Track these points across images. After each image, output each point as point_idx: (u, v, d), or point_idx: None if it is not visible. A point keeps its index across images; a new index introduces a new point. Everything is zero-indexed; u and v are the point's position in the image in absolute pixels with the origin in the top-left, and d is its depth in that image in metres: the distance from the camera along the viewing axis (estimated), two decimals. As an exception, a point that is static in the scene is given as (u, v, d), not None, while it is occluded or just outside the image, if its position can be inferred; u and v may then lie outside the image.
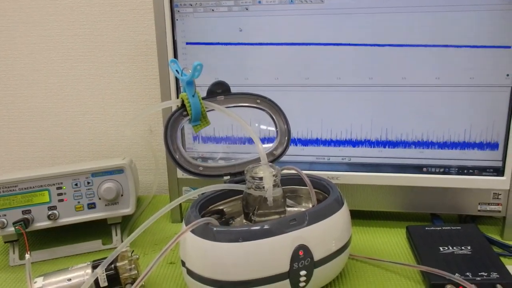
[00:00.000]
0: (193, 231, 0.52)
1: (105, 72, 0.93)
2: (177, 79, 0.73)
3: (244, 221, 0.59)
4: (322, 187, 0.62)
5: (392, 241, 0.71)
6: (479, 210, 0.71)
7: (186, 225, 0.53)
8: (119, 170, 0.70)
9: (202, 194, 0.59)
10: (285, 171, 0.61)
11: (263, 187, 0.56)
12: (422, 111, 0.69)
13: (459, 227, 0.69)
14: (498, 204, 0.70)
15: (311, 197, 0.60)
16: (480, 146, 0.69)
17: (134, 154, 0.98)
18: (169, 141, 0.60)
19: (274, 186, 0.56)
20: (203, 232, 0.51)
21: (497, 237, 0.71)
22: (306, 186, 0.60)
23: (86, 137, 0.97)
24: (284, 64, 0.71)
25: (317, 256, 0.53)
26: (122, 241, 0.72)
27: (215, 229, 0.51)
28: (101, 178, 0.69)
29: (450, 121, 0.69)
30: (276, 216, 0.57)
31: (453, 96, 0.68)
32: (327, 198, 0.60)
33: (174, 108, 0.61)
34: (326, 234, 0.54)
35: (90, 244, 0.72)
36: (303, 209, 0.63)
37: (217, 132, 0.75)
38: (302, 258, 0.52)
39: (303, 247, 0.52)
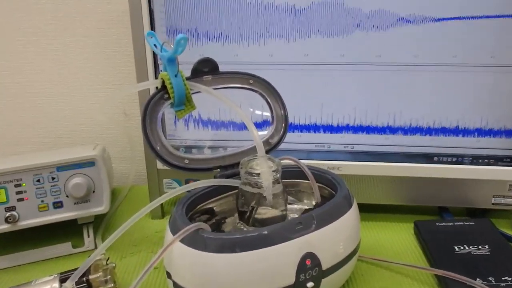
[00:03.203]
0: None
1: (71, 47, 0.82)
2: (155, 55, 0.63)
3: (238, 222, 0.51)
4: (326, 181, 0.54)
5: (399, 237, 0.64)
6: (493, 204, 0.65)
7: (172, 230, 0.45)
8: (89, 163, 0.60)
9: (189, 191, 0.51)
10: (283, 162, 0.53)
11: (261, 184, 0.48)
12: (435, 94, 0.61)
13: (473, 223, 0.63)
14: (514, 197, 0.64)
15: (313, 193, 0.53)
16: (497, 133, 0.62)
17: (107, 140, 0.87)
18: (148, 130, 0.51)
19: (273, 182, 0.48)
20: (192, 240, 0.43)
21: (510, 232, 0.65)
22: (308, 179, 0.53)
23: (51, 121, 0.86)
24: (278, 39, 0.62)
25: (325, 264, 0.45)
26: (95, 243, 0.63)
27: (205, 236, 0.43)
28: (68, 172, 0.59)
29: (465, 105, 0.61)
30: (277, 215, 0.49)
31: (470, 77, 0.60)
32: (333, 194, 0.53)
33: (152, 90, 0.52)
34: (335, 238, 0.47)
35: (58, 247, 0.62)
36: (305, 207, 0.55)
37: (203, 115, 0.66)
38: (309, 268, 0.44)
39: (310, 255, 0.44)
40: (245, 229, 0.50)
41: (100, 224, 0.68)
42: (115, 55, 0.82)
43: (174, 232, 0.44)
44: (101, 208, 0.61)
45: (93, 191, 0.60)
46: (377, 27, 0.59)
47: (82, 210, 0.60)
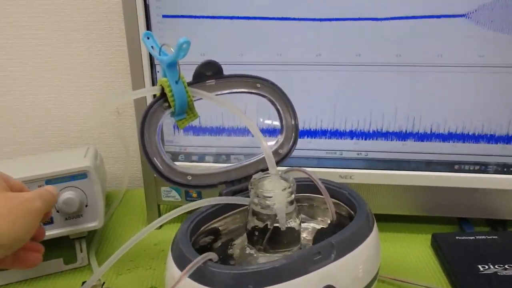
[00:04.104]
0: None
1: (58, 42, 0.75)
2: (151, 57, 0.57)
3: (248, 246, 0.46)
4: (342, 198, 0.49)
5: (416, 251, 0.60)
6: (517, 214, 0.60)
7: (177, 262, 0.40)
8: (81, 175, 0.54)
9: (192, 211, 0.46)
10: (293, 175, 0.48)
11: (274, 207, 0.43)
12: (458, 96, 0.56)
13: (496, 236, 0.59)
14: (541, 207, 0.60)
15: (329, 209, 0.48)
16: (525, 139, 0.57)
17: (99, 139, 0.82)
18: (146, 143, 0.45)
19: (287, 203, 0.43)
20: (199, 275, 0.38)
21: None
22: (321, 194, 0.48)
23: (39, 122, 0.80)
24: (288, 37, 0.56)
25: (346, 296, 0.41)
26: (88, 259, 0.59)
27: (214, 270, 0.38)
28: (58, 186, 0.53)
29: (491, 108, 0.56)
30: (291, 237, 0.45)
31: (498, 78, 0.55)
32: (349, 212, 0.48)
33: (150, 98, 0.47)
34: (356, 267, 0.42)
35: (49, 264, 0.57)
36: (318, 227, 0.50)
37: (204, 121, 0.61)
38: (328, 302, 0.39)
39: (330, 289, 0.39)
40: (255, 255, 0.45)
41: (94, 236, 0.63)
42: (106, 50, 0.75)
43: (179, 264, 0.39)
44: (94, 223, 0.56)
45: (86, 205, 0.55)
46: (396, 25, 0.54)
47: (74, 226, 0.55)
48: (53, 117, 0.80)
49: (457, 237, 0.58)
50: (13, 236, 0.39)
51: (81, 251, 0.58)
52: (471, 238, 0.58)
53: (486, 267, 0.53)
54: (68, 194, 0.53)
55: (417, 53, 0.55)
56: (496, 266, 0.53)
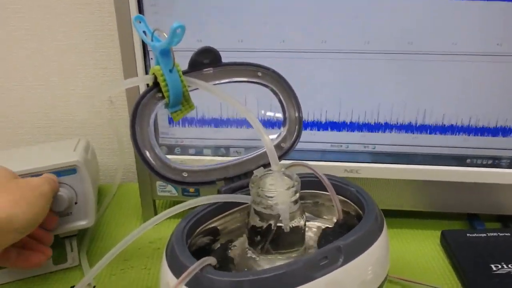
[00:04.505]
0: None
1: (45, 26, 0.71)
2: (144, 43, 0.53)
3: (248, 248, 0.43)
4: (349, 195, 0.46)
5: (425, 249, 0.57)
6: (530, 210, 0.58)
7: (172, 268, 0.37)
8: (70, 170, 0.51)
9: (190, 210, 0.43)
10: (297, 170, 0.45)
11: (276, 207, 0.39)
12: (471, 87, 0.53)
13: (508, 234, 0.56)
14: (555, 202, 0.57)
15: (335, 207, 0.45)
16: (541, 131, 0.54)
17: (91, 129, 0.78)
18: (138, 138, 0.42)
19: (291, 203, 0.40)
20: (194, 281, 0.35)
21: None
22: (326, 191, 0.45)
23: (27, 111, 0.76)
24: (292, 21, 0.52)
25: (354, 302, 0.38)
26: (79, 258, 0.55)
27: (211, 276, 0.35)
28: (45, 181, 0.50)
29: (507, 100, 0.53)
30: (294, 237, 0.42)
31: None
32: (357, 210, 0.45)
33: (142, 88, 0.43)
34: (366, 271, 0.39)
35: (37, 264, 0.54)
36: (324, 226, 0.47)
37: (201, 112, 0.57)
38: (336, 310, 0.36)
39: (337, 295, 0.36)
40: (256, 258, 0.42)
41: (85, 234, 0.59)
42: (96, 35, 0.71)
43: (174, 270, 0.36)
44: (84, 222, 0.53)
45: (75, 202, 0.52)
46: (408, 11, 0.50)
47: (63, 225, 0.52)
48: (42, 106, 0.76)
49: (468, 235, 0.56)
50: (27, 220, 0.42)
51: (72, 250, 0.55)
52: (483, 235, 0.55)
53: (500, 266, 0.50)
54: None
55: (429, 41, 0.51)
56: (509, 266, 0.50)
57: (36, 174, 0.49)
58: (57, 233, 0.52)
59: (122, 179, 0.74)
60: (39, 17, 0.70)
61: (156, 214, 0.64)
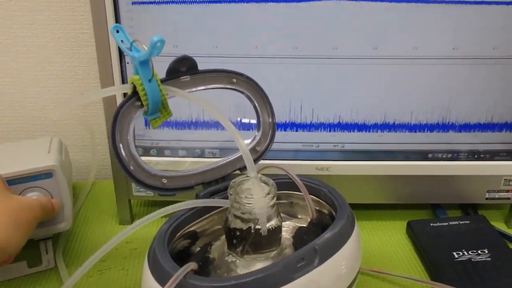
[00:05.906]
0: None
1: (16, 22, 0.69)
2: (121, 51, 0.53)
3: (228, 252, 0.45)
4: (321, 195, 0.49)
5: (392, 239, 0.61)
6: (486, 198, 0.62)
7: (155, 276, 0.38)
8: (46, 174, 0.51)
9: (169, 216, 0.44)
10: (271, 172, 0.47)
11: (254, 212, 0.41)
12: (432, 88, 0.56)
13: (468, 221, 0.60)
14: (509, 191, 0.61)
15: (308, 207, 0.47)
16: (494, 127, 0.58)
17: (62, 127, 0.77)
18: (118, 145, 0.42)
19: (268, 208, 0.42)
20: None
21: (501, 226, 0.63)
22: (300, 191, 0.47)
23: (-4, 107, 0.74)
24: (265, 28, 0.53)
25: (329, 298, 0.41)
26: (55, 260, 0.55)
27: (194, 283, 0.36)
28: (21, 186, 0.50)
29: (462, 98, 0.57)
30: (271, 238, 0.44)
31: (469, 70, 0.55)
32: (328, 208, 0.48)
33: (119, 96, 0.44)
34: (340, 268, 0.42)
35: (11, 268, 0.53)
36: (299, 225, 0.50)
37: (176, 114, 0.58)
38: (313, 308, 0.39)
39: (314, 294, 0.39)
40: (235, 259, 0.44)
41: (60, 235, 0.59)
42: (69, 33, 0.70)
43: (158, 278, 0.37)
44: (61, 224, 0.53)
45: (52, 206, 0.52)
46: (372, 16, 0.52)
47: (40, 228, 0.51)
48: (11, 102, 0.74)
49: (431, 224, 0.60)
50: (18, 244, 0.45)
51: (47, 253, 0.55)
52: (445, 224, 0.59)
53: (461, 253, 0.54)
54: (31, 195, 0.50)
55: (394, 46, 0.54)
56: (470, 252, 0.54)
57: (12, 179, 0.49)
58: (33, 237, 0.53)
59: (95, 176, 0.74)
60: (13, 14, 0.68)
61: (131, 213, 0.65)
